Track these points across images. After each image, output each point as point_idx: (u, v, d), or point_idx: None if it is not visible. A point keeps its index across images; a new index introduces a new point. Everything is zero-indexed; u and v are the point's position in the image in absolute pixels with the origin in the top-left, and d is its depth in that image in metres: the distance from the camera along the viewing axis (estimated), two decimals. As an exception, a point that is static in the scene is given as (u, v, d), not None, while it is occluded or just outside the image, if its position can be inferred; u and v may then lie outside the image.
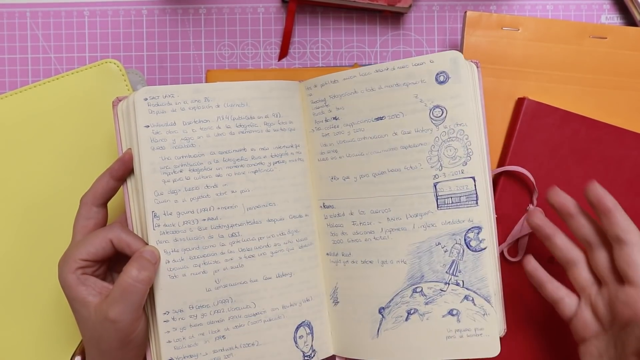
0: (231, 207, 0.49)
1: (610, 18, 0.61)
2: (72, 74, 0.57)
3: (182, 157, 0.48)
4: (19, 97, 0.57)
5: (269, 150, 0.50)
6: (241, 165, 0.49)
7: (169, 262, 0.47)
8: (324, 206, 0.52)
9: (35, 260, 0.56)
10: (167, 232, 0.48)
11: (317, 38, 0.61)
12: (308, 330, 0.50)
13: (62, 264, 0.46)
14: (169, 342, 0.47)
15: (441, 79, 0.48)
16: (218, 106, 0.49)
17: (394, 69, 0.49)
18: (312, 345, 0.50)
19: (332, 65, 0.60)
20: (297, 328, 0.50)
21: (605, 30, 0.57)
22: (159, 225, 0.47)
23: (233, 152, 0.49)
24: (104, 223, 0.48)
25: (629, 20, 0.61)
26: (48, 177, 0.56)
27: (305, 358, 0.50)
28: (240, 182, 0.49)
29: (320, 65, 0.60)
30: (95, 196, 0.47)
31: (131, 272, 0.45)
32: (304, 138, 0.52)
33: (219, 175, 0.49)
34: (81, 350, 0.49)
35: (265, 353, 0.49)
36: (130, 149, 0.48)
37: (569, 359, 0.55)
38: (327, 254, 0.52)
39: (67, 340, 0.56)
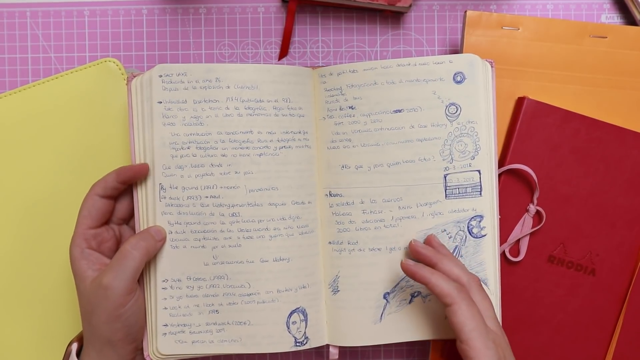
0: (234, 187, 0.50)
1: (610, 17, 0.61)
2: (72, 72, 0.57)
3: (191, 134, 0.50)
4: (19, 97, 0.57)
5: (276, 135, 0.50)
6: (247, 147, 0.50)
7: (171, 232, 0.50)
8: (329, 194, 0.52)
9: (35, 259, 0.56)
10: (172, 205, 0.50)
11: (317, 38, 0.61)
12: (302, 317, 0.51)
13: (71, 241, 0.48)
14: (165, 308, 0.50)
15: (458, 78, 0.51)
16: (228, 87, 0.50)
17: (415, 65, 0.51)
18: (305, 333, 0.51)
19: (332, 65, 0.60)
20: (291, 313, 0.50)
21: (605, 29, 0.57)
22: (165, 198, 0.50)
23: (240, 133, 0.50)
24: (107, 214, 0.49)
25: (629, 20, 0.61)
26: (48, 176, 0.56)
27: (297, 344, 0.50)
28: (244, 164, 0.50)
29: (320, 64, 0.60)
30: (102, 187, 0.49)
31: (131, 240, 0.47)
32: (313, 125, 0.52)
33: (224, 155, 0.50)
34: (78, 338, 0.50)
35: (256, 333, 0.50)
36: (146, 164, 0.50)
37: (568, 359, 0.55)
38: (330, 242, 0.52)
39: (67, 339, 0.56)
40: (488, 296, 0.48)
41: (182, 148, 0.50)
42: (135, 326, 0.48)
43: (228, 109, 0.50)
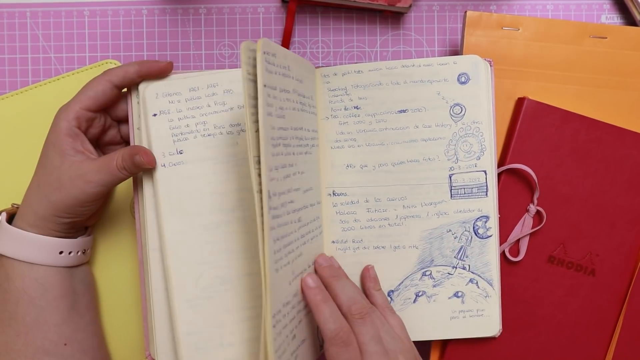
0: (296, 189, 0.45)
1: (610, 18, 0.61)
2: (73, 74, 0.57)
3: (280, 128, 0.41)
4: (19, 98, 0.57)
5: (310, 132, 0.49)
6: (299, 145, 0.46)
7: (275, 252, 0.40)
8: (333, 194, 0.52)
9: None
10: (277, 217, 0.40)
11: (317, 38, 0.61)
12: None
13: (61, 110, 0.47)
14: (277, 351, 0.40)
15: (462, 79, 0.51)
16: (292, 78, 0.44)
17: (420, 66, 0.51)
18: (318, 335, 0.50)
19: (332, 65, 0.60)
20: None
21: (605, 30, 0.57)
22: (275, 208, 0.40)
23: (298, 129, 0.46)
24: (109, 104, 0.48)
25: (629, 20, 0.61)
26: (48, 177, 0.56)
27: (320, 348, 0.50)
28: (302, 162, 0.46)
29: (320, 65, 0.60)
30: (120, 77, 0.47)
31: (123, 154, 0.46)
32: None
33: (293, 154, 0.45)
34: (9, 211, 0.49)
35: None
36: (172, 62, 0.49)
37: (568, 359, 0.55)
38: (333, 242, 0.52)
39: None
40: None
41: (276, 145, 0.40)
42: (88, 215, 0.48)
43: (294, 102, 0.43)
